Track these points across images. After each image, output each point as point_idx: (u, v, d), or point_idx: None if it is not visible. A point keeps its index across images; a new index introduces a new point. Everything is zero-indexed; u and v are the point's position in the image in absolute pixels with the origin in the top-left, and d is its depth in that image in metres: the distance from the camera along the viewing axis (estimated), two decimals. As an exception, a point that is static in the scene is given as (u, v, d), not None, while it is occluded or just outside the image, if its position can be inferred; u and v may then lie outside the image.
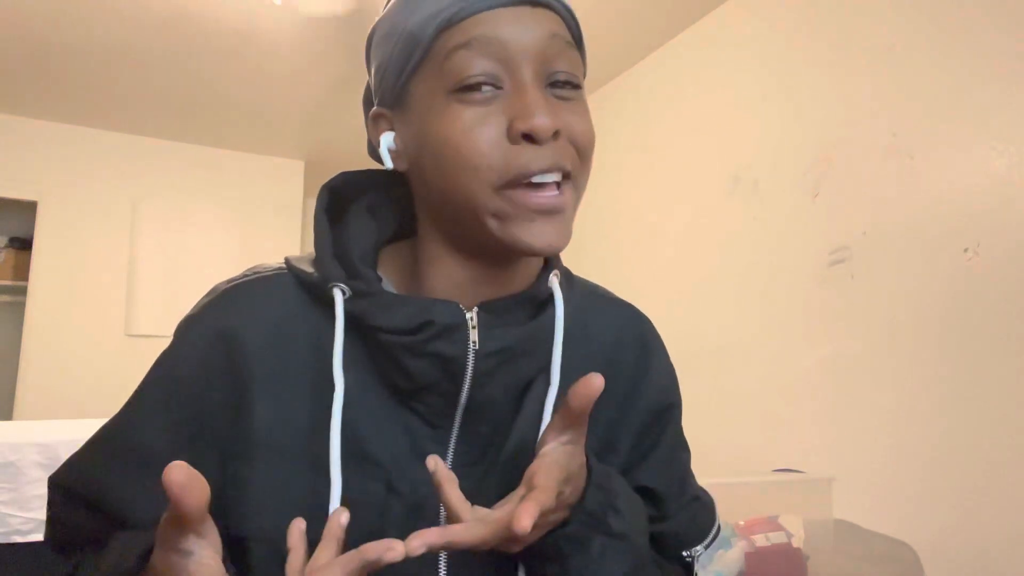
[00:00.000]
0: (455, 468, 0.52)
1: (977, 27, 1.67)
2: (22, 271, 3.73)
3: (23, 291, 3.52)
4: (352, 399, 0.50)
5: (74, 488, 0.55)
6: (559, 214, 0.49)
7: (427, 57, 0.49)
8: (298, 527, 0.46)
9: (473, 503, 0.47)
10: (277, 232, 4.05)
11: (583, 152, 0.50)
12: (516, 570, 0.53)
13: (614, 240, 2.95)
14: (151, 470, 0.41)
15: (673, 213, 2.64)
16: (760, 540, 1.51)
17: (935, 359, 1.68)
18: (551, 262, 0.58)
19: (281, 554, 0.45)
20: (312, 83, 3.15)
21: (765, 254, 2.21)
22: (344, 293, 0.51)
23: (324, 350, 0.51)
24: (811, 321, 2.02)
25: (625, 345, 0.62)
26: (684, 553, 0.61)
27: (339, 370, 0.50)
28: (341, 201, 0.57)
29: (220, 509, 0.44)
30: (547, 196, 0.48)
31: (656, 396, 0.62)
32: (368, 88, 0.58)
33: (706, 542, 0.62)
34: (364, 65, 0.59)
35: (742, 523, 1.53)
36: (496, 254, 0.52)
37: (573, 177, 0.50)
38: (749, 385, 2.21)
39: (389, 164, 0.53)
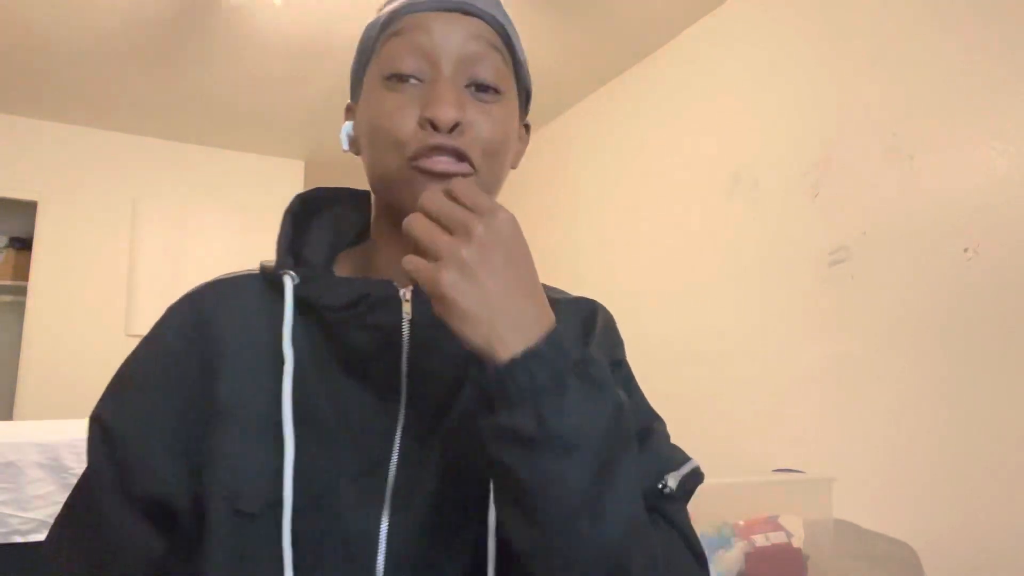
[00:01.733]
0: (405, 438, 0.56)
1: (977, 27, 1.67)
2: (22, 271, 3.73)
3: (23, 291, 3.51)
4: (306, 374, 0.56)
5: (101, 416, 0.58)
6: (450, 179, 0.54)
7: (374, 50, 0.58)
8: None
9: (422, 471, 0.54)
10: (277, 232, 4.04)
11: (487, 151, 0.55)
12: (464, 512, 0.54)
13: (614, 240, 2.95)
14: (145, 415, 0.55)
15: (673, 213, 2.64)
16: (760, 540, 1.51)
17: (935, 359, 1.68)
18: None
19: (234, 509, 0.51)
20: (312, 83, 3.15)
21: (765, 254, 2.21)
22: (294, 279, 0.58)
23: (280, 332, 0.56)
24: (811, 321, 2.03)
25: (580, 325, 0.66)
26: (659, 484, 0.56)
27: (288, 344, 0.55)
28: (311, 211, 0.65)
29: (192, 470, 0.53)
30: (442, 161, 0.53)
31: (606, 353, 0.64)
32: None
33: (683, 471, 0.58)
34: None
35: (742, 523, 1.53)
36: None
37: (477, 169, 0.55)
38: (749, 385, 2.21)
39: (346, 146, 0.62)
